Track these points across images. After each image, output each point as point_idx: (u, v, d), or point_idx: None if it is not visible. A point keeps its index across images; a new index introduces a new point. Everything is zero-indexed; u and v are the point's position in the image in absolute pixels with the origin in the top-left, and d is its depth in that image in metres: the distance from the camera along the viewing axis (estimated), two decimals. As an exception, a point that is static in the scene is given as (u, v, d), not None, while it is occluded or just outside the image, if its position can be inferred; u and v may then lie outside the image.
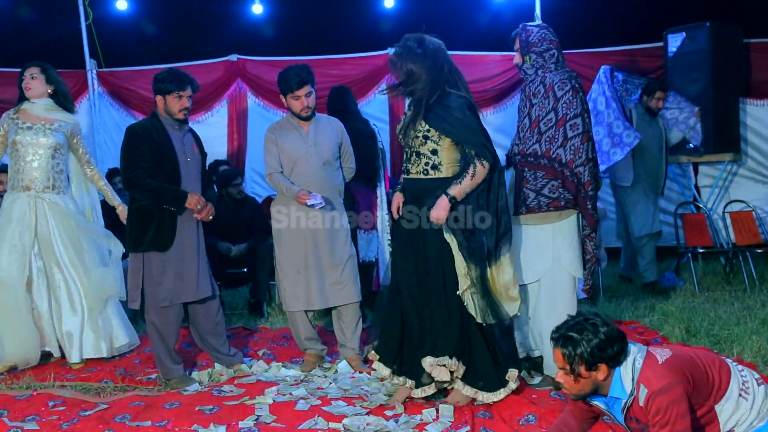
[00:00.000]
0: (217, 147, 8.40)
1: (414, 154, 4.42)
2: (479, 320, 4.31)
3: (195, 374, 5.28)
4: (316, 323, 5.62)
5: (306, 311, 5.36)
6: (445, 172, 4.37)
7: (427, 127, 4.34)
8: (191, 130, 5.25)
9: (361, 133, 6.10)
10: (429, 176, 4.39)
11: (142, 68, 8.54)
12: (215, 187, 6.35)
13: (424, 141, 4.36)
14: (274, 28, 9.23)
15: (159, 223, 4.93)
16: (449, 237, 4.31)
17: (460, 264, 4.31)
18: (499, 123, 8.41)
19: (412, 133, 4.39)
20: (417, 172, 4.41)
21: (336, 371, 5.24)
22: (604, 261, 7.35)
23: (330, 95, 6.48)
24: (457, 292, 4.32)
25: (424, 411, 4.35)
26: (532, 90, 4.67)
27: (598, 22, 8.87)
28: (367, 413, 4.37)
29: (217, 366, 5.33)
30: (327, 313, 5.97)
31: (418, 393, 4.47)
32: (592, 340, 3.23)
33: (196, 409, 4.52)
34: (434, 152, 4.36)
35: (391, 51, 8.23)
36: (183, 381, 5.07)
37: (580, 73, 8.23)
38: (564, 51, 8.39)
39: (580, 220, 4.67)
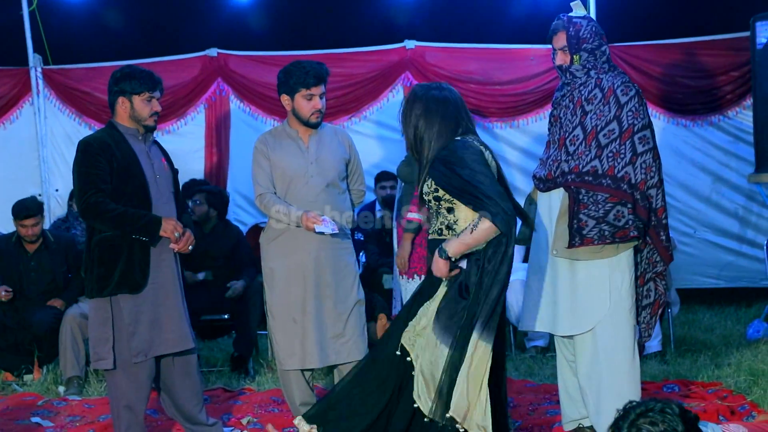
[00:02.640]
0: (192, 163, 8.42)
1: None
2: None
3: (162, 449, 5.24)
4: (314, 383, 5.56)
5: (303, 370, 5.30)
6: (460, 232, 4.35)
7: (434, 186, 4.34)
8: (156, 142, 5.21)
9: None
10: (443, 236, 4.36)
11: (98, 65, 8.55)
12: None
13: (437, 203, 4.37)
14: (262, 17, 9.25)
15: (128, 259, 4.84)
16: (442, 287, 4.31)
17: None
18: (543, 132, 8.25)
19: (425, 196, 4.41)
20: (433, 231, 4.43)
21: (339, 445, 5.18)
22: (677, 305, 7.28)
23: None
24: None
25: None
26: (584, 95, 4.68)
27: (665, 7, 8.84)
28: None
29: (190, 438, 5.28)
30: (330, 370, 5.92)
31: None
32: None
33: (163, 493, 4.47)
34: (450, 210, 4.35)
35: (409, 44, 8.43)
36: (147, 457, 5.02)
37: (643, 71, 8.32)
38: (622, 44, 8.44)
39: (650, 254, 4.65)
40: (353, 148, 5.48)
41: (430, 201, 4.40)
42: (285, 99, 5.27)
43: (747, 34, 7.89)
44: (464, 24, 8.93)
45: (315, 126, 5.29)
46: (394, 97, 8.52)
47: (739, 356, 6.68)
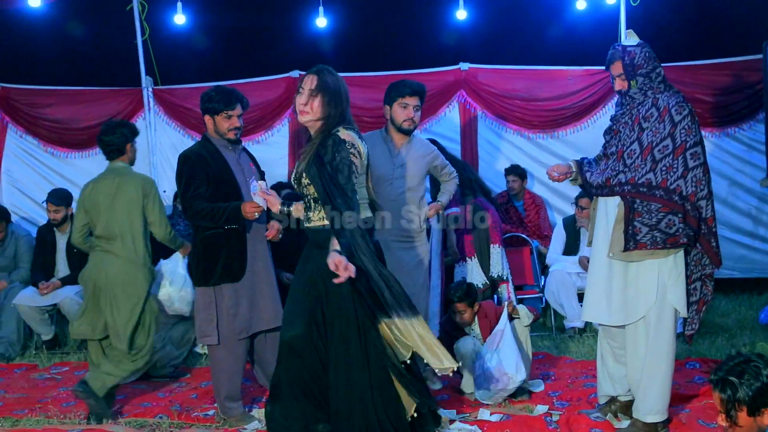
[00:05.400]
0: (278, 169, 8.51)
1: (312, 200, 4.13)
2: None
3: (255, 411, 5.33)
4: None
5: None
6: None
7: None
8: (245, 150, 5.34)
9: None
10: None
11: (199, 85, 8.66)
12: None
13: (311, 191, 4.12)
14: (338, 42, 9.30)
15: (228, 253, 5.00)
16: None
17: None
18: (579, 142, 8.33)
19: (305, 180, 4.10)
20: (319, 218, 4.12)
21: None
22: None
23: None
24: None
25: None
26: (641, 113, 4.57)
27: (689, 32, 8.73)
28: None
29: (279, 403, 5.36)
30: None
31: None
32: (753, 384, 3.29)
33: (257, 448, 4.55)
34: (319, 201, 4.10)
35: (463, 66, 8.46)
36: (243, 419, 5.14)
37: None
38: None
39: (697, 257, 4.63)
40: (437, 158, 5.57)
41: (308, 185, 4.10)
42: (386, 109, 5.37)
43: (760, 56, 7.81)
44: (510, 48, 8.92)
45: (407, 132, 5.35)
46: (450, 112, 8.56)
47: (753, 338, 6.62)
